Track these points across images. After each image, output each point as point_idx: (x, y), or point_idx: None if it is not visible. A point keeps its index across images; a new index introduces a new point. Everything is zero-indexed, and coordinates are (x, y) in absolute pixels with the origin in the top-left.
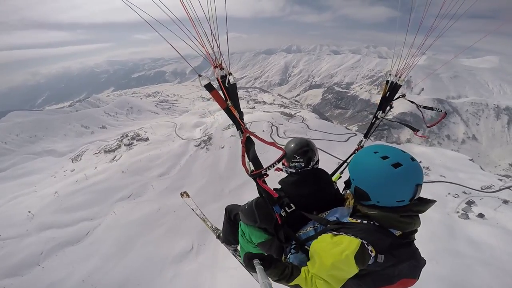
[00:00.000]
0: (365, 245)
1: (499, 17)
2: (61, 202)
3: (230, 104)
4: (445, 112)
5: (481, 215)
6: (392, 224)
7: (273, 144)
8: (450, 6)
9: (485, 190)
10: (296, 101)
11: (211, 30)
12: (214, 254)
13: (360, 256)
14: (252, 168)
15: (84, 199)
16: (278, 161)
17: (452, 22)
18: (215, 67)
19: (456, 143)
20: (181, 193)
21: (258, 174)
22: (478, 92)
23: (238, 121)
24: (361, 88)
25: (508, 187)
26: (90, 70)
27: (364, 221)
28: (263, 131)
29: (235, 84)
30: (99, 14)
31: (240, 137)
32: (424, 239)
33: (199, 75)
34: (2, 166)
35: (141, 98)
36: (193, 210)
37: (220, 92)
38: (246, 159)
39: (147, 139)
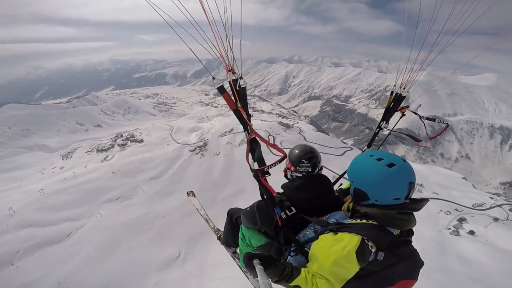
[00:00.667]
0: (365, 240)
1: (502, 34)
2: (46, 200)
3: (239, 105)
4: (447, 124)
5: (471, 232)
6: (390, 221)
7: (275, 146)
8: (454, 22)
9: (476, 208)
10: (294, 111)
11: (226, 37)
12: (202, 263)
13: (361, 252)
14: (257, 167)
15: (70, 198)
16: (280, 161)
17: (455, 37)
18: (228, 71)
19: (449, 161)
20: (187, 192)
21: (260, 170)
22: (474, 110)
23: (246, 122)
24: (359, 102)
25: (499, 205)
26: (93, 68)
27: (364, 221)
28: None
29: (245, 88)
30: (107, 12)
31: (247, 136)
32: None
33: (213, 78)
34: None
35: (140, 99)
36: (197, 209)
37: (231, 95)
38: (251, 159)
39: (141, 141)
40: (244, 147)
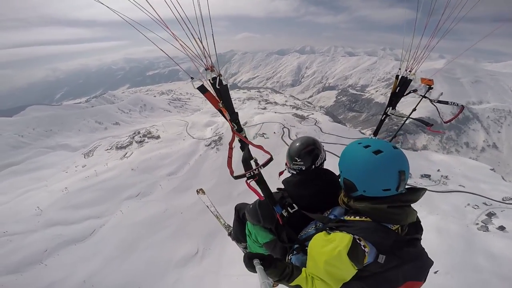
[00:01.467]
0: (357, 240)
1: None
2: (70, 198)
3: (221, 105)
4: (462, 105)
5: (501, 228)
6: (382, 216)
7: (260, 147)
8: (468, 7)
9: (507, 202)
10: (308, 102)
11: (200, 32)
12: (219, 259)
13: (353, 252)
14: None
15: (92, 196)
16: (264, 165)
17: (456, 22)
18: (206, 69)
19: (475, 151)
20: (197, 190)
21: (241, 176)
22: (500, 98)
23: (228, 122)
24: (376, 91)
25: None
26: (108, 67)
27: (357, 217)
28: (274, 132)
29: (226, 85)
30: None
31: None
32: (440, 252)
33: (191, 78)
34: (17, 159)
35: (155, 96)
36: (207, 207)
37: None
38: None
39: (158, 137)
40: (256, 141)
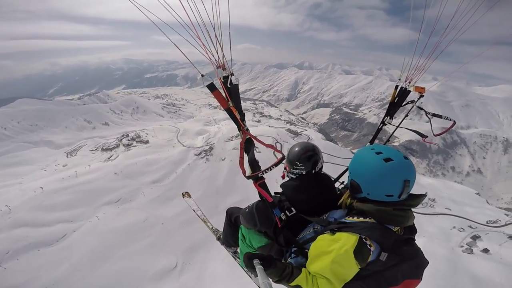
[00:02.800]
0: (363, 239)
1: None
2: (44, 199)
3: (231, 104)
4: (454, 121)
5: (485, 250)
6: (388, 218)
7: (272, 147)
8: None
9: (490, 225)
10: (303, 118)
11: (214, 31)
12: (200, 276)
13: (359, 251)
14: (250, 171)
15: (68, 198)
16: (276, 165)
17: (460, 34)
18: (218, 67)
19: (460, 175)
20: (182, 193)
21: (254, 176)
22: (488, 123)
23: (238, 122)
24: (369, 111)
25: None
26: (106, 66)
27: (361, 218)
28: None
29: (237, 85)
30: (123, 11)
31: (240, 137)
32: (427, 276)
33: (202, 75)
34: None
35: (149, 99)
36: (194, 210)
37: (223, 93)
38: (246, 162)
39: (147, 142)
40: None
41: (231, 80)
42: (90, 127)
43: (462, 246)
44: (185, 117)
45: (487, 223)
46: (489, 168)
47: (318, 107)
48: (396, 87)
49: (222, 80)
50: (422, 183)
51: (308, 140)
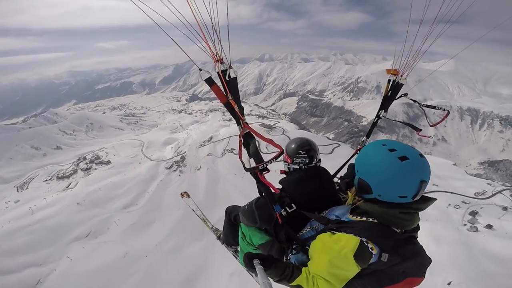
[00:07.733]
0: (365, 243)
1: (465, 22)
2: (1, 243)
3: (230, 98)
4: (448, 111)
5: (489, 226)
6: (391, 220)
7: (270, 141)
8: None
9: (479, 197)
10: (272, 110)
11: (212, 24)
12: None
13: (360, 254)
14: (253, 164)
15: (28, 239)
16: (277, 157)
17: (448, 25)
18: (216, 61)
19: (428, 145)
20: (181, 193)
21: (254, 168)
22: (441, 95)
23: (238, 115)
24: (334, 95)
25: (499, 192)
26: (49, 82)
27: (364, 218)
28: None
29: (235, 78)
30: (50, 19)
31: (240, 131)
32: (446, 263)
33: (200, 70)
34: None
35: (105, 112)
36: (193, 210)
37: (221, 87)
38: (247, 155)
39: (108, 162)
40: (225, 157)
41: (229, 73)
42: (39, 154)
43: (465, 225)
44: (148, 127)
45: (475, 195)
46: (451, 135)
47: (285, 97)
48: (389, 81)
49: (221, 74)
50: None
51: (283, 132)
